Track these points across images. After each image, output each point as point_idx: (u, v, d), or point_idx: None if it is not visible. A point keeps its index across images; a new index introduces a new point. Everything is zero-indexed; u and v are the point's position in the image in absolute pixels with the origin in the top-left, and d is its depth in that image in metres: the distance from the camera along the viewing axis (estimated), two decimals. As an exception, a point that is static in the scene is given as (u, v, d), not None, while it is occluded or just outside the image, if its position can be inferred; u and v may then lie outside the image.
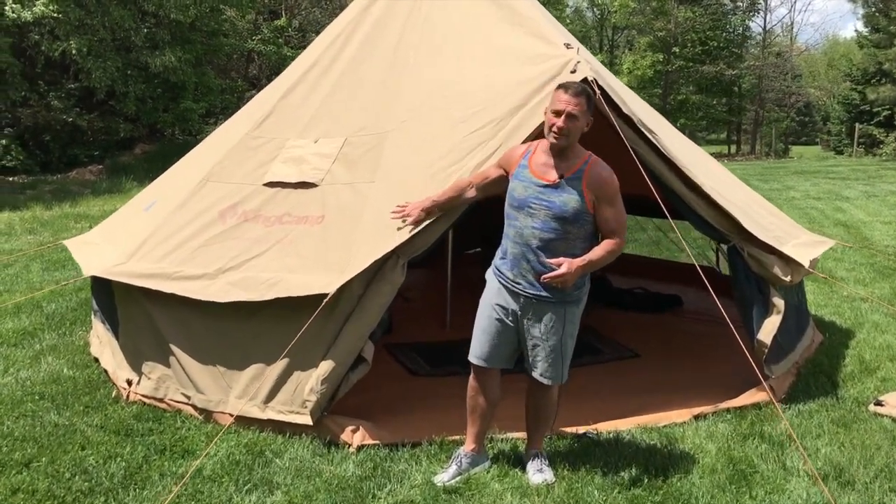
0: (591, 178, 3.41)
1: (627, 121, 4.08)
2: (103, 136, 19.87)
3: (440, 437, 3.98)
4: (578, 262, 3.35)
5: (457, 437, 3.93)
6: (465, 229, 6.28)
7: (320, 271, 4.02)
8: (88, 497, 3.47)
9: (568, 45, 4.25)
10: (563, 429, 4.11)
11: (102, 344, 5.16)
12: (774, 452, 3.92)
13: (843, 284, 6.91)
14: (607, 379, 4.90)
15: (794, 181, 20.37)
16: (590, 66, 4.07)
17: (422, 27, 5.00)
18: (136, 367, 4.59)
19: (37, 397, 4.61)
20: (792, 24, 61.74)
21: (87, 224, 12.19)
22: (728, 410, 4.40)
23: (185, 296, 4.20)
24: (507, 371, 3.72)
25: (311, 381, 3.92)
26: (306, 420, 3.96)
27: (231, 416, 4.15)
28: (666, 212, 3.96)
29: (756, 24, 42.76)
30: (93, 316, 5.60)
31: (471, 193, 3.85)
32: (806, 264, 4.54)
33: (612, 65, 38.97)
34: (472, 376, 3.71)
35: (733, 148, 42.72)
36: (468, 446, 3.73)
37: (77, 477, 3.62)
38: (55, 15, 16.63)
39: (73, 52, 17.22)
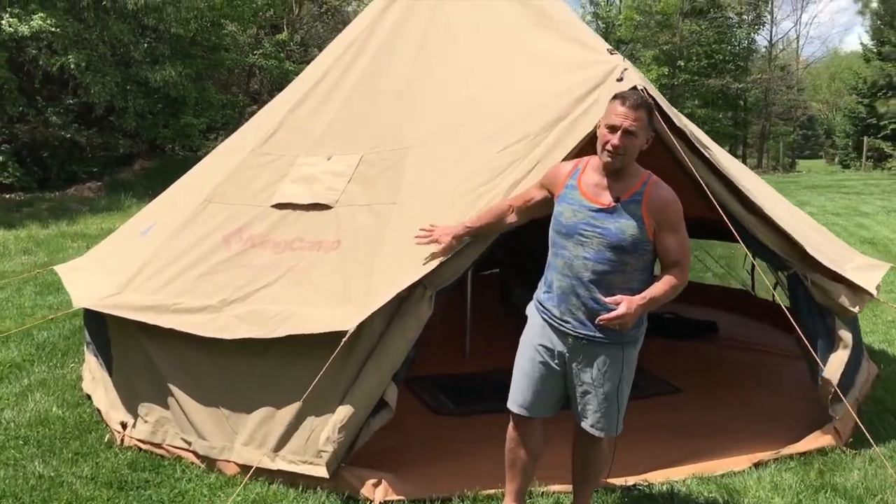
0: (652, 201, 2.97)
1: (680, 135, 3.65)
2: (102, 153, 19.46)
3: (473, 491, 3.53)
4: (638, 300, 2.90)
5: (492, 492, 3.49)
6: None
7: (337, 304, 3.59)
8: (74, 568, 3.03)
9: (611, 51, 3.82)
10: (610, 480, 3.65)
11: (95, 380, 4.72)
12: (852, 509, 3.47)
13: (892, 306, 6.45)
14: (650, 418, 4.45)
15: (807, 196, 19.93)
16: (639, 75, 3.64)
17: (443, 34, 4.58)
18: (132, 408, 4.15)
19: (21, 442, 4.16)
20: (798, 36, 61.65)
21: (83, 243, 11.79)
22: (791, 457, 3.95)
23: (185, 331, 3.77)
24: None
25: (327, 429, 3.47)
26: (322, 472, 3.51)
27: (237, 465, 3.71)
28: (737, 237, 3.54)
29: (762, 38, 42.34)
30: (85, 348, 5.16)
31: (511, 219, 3.40)
32: (874, 292, 4.10)
33: (615, 78, 38.48)
34: (511, 426, 3.26)
35: (740, 162, 42.24)
36: (507, 504, 3.29)
37: (62, 543, 3.18)
38: (53, 29, 16.25)
39: (72, 66, 16.83)
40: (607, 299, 2.90)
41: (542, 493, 3.57)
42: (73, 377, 5.26)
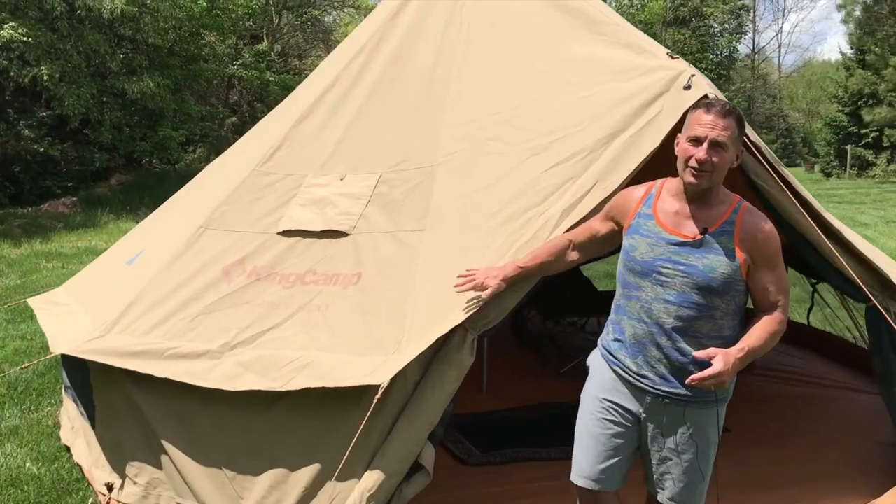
0: (746, 231, 2.49)
1: (756, 150, 3.17)
2: (77, 167, 18.81)
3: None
4: (736, 353, 2.38)
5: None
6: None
7: (362, 350, 3.08)
8: None
9: (671, 55, 3.35)
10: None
11: (75, 430, 4.16)
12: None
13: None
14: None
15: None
16: (707, 82, 3.17)
17: (465, 38, 4.09)
18: (118, 466, 3.61)
19: (-11, 509, 3.62)
20: (780, 46, 61.99)
21: (58, 263, 11.17)
22: (877, 514, 3.49)
23: (181, 381, 3.24)
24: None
25: (353, 497, 2.95)
26: (347, 548, 2.99)
27: (243, 537, 3.19)
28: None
29: (745, 46, 42.37)
30: (63, 391, 4.60)
31: (571, 257, 2.88)
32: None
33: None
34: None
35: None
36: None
37: None
38: (25, 39, 15.59)
39: (45, 78, 16.16)
40: (699, 354, 2.40)
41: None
42: (49, 423, 4.70)
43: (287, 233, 3.67)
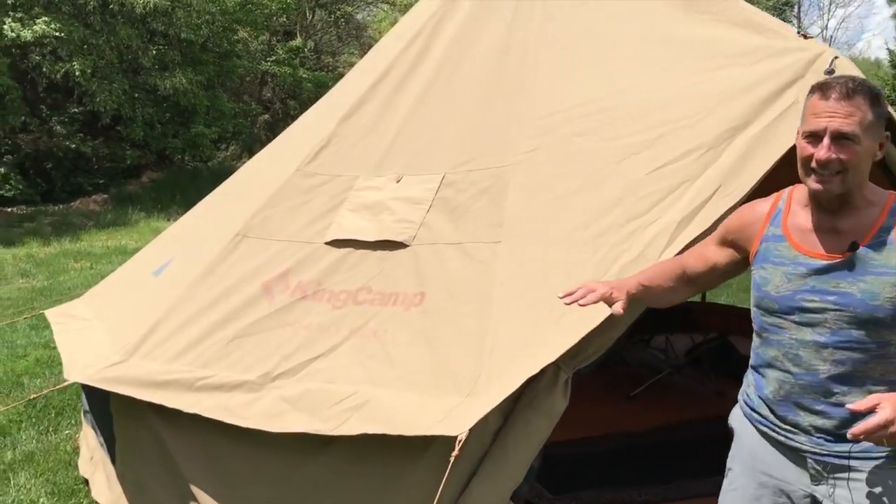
0: None
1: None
2: (109, 164, 18.55)
3: None
4: None
5: None
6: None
7: (429, 387, 2.56)
8: None
9: (804, 34, 2.79)
10: None
11: (94, 462, 3.70)
12: None
13: None
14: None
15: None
16: (851, 63, 2.60)
17: (543, 16, 3.54)
18: (141, 510, 3.14)
19: (-5, 556, 3.16)
20: (826, 41, 60.70)
21: (87, 263, 10.83)
22: None
23: (214, 418, 2.76)
24: None
25: (418, 566, 2.44)
26: None
27: None
28: None
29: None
30: (82, 416, 4.14)
31: (686, 291, 2.29)
32: None
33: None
34: None
35: None
36: None
37: None
38: (57, 34, 15.32)
39: (77, 73, 15.88)
40: (854, 406, 1.83)
41: None
42: (67, 448, 4.25)
43: (336, 243, 3.17)
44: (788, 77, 2.62)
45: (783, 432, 2.03)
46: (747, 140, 2.56)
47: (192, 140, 19.46)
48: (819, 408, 1.96)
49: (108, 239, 13.29)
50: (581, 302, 2.12)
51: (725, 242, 2.19)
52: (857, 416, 1.83)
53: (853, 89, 1.86)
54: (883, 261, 1.89)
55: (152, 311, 3.29)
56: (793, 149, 2.03)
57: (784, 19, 38.42)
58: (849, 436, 1.80)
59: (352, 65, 26.84)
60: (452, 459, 2.18)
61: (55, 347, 6.16)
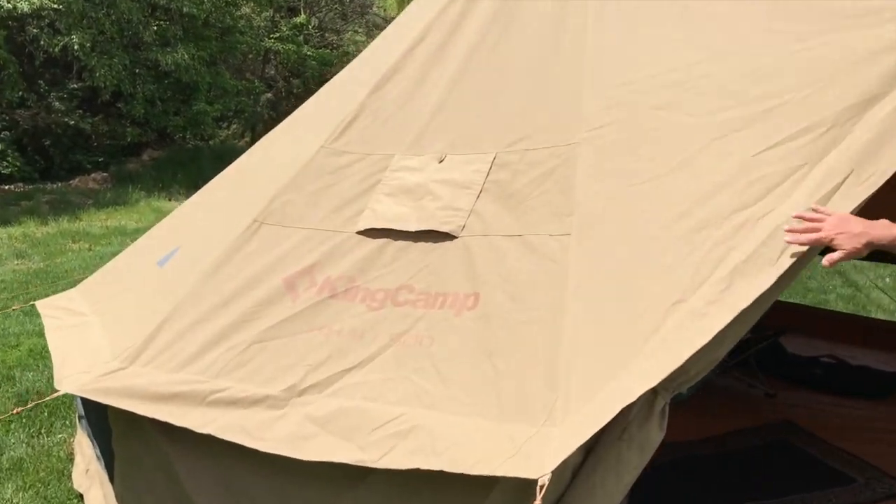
0: None
1: None
2: (108, 141, 18.06)
3: None
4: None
5: None
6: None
7: (491, 411, 2.12)
8: None
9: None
10: None
11: (90, 476, 3.28)
12: None
13: None
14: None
15: None
16: None
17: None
18: (143, 540, 2.71)
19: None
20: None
21: (86, 245, 10.39)
22: None
23: (230, 440, 2.32)
24: None
25: None
26: None
27: None
28: None
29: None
30: (77, 420, 3.71)
31: None
32: None
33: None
34: None
35: None
36: None
37: None
38: (55, 6, 14.79)
39: (76, 47, 15.36)
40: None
41: None
42: (60, 455, 3.83)
43: (371, 232, 2.72)
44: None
45: None
46: (883, 117, 2.10)
47: (194, 118, 18.96)
48: None
49: (108, 219, 12.83)
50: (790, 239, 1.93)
51: None
52: None
53: None
54: None
55: (157, 309, 2.85)
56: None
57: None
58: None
59: (356, 43, 26.32)
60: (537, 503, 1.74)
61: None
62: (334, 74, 4.12)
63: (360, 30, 28.26)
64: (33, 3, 14.60)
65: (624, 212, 2.37)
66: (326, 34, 29.42)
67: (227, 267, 2.83)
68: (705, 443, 4.14)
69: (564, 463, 1.95)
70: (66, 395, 4.47)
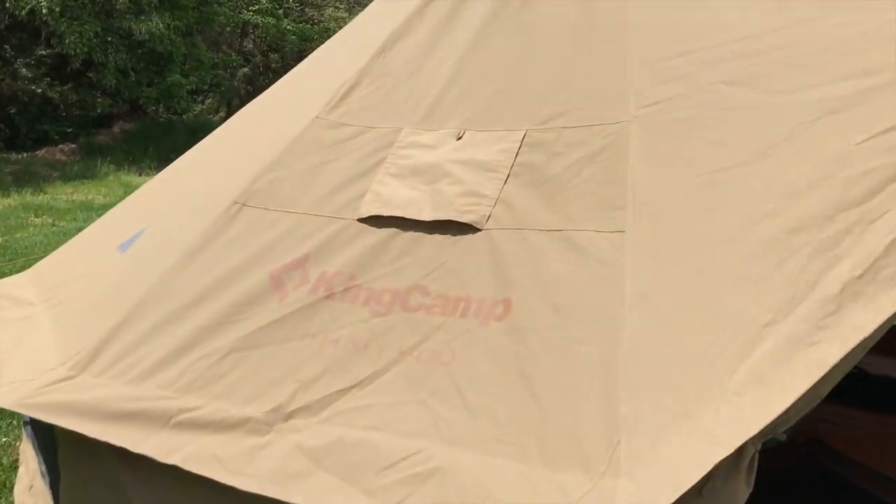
0: None
1: None
2: (78, 112, 17.37)
3: None
4: None
5: None
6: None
7: (531, 451, 1.70)
8: None
9: None
10: None
11: (35, 494, 2.80)
12: None
13: None
14: None
15: None
16: None
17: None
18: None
19: None
20: None
21: (49, 219, 9.83)
22: None
23: (200, 473, 1.88)
24: None
25: None
26: None
27: None
28: None
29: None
30: (23, 427, 3.23)
31: None
32: None
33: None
34: None
35: None
36: None
37: None
38: (22, -34, 14.06)
39: (44, 11, 14.65)
40: None
41: None
42: (5, 462, 3.35)
43: (375, 220, 2.28)
44: None
45: None
46: None
47: (168, 90, 18.30)
48: None
49: (74, 192, 12.24)
50: None
51: None
52: None
53: None
54: None
55: (116, 304, 2.38)
56: None
57: None
58: None
59: (337, 20, 25.66)
60: None
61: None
62: (314, 50, 3.66)
63: (340, 6, 27.60)
64: (-1, -37, 13.90)
65: (691, 207, 1.94)
66: (307, 9, 28.69)
67: (201, 257, 2.37)
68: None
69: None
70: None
